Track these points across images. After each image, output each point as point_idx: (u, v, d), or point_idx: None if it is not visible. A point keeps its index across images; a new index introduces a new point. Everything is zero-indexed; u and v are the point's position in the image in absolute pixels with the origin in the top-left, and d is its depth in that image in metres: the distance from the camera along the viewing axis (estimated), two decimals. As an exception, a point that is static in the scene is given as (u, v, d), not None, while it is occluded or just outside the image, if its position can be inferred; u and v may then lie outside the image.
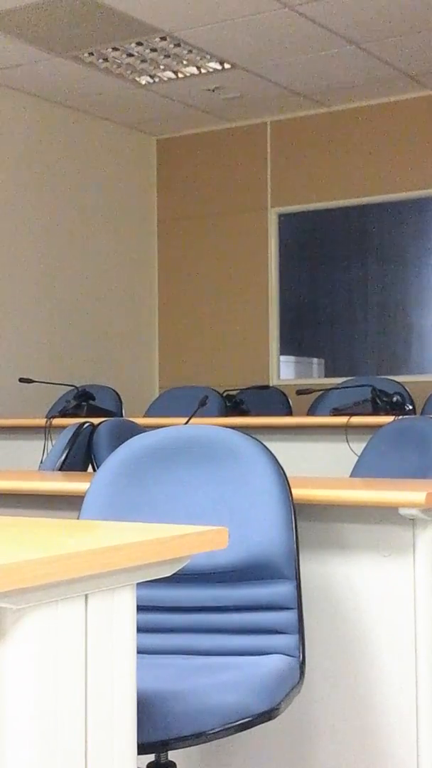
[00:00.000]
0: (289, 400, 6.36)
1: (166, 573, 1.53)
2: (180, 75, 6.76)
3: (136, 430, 3.85)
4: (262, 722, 1.93)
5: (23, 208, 7.15)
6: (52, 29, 5.94)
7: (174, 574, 1.54)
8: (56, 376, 6.83)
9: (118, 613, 1.45)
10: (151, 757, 1.98)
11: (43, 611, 1.33)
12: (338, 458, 4.46)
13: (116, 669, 1.44)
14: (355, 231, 7.58)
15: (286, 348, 7.76)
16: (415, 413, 5.13)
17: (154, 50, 6.31)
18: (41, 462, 4.59)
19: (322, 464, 4.73)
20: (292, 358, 7.86)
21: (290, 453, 4.65)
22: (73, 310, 7.48)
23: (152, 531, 1.56)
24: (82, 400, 5.64)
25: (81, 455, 3.85)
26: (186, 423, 3.31)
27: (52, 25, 5.88)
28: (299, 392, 5.32)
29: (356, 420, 4.64)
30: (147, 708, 1.80)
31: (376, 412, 4.79)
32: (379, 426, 3.52)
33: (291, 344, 7.80)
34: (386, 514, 2.29)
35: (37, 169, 7.27)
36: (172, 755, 1.99)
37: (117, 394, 6.26)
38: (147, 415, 6.14)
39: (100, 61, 6.49)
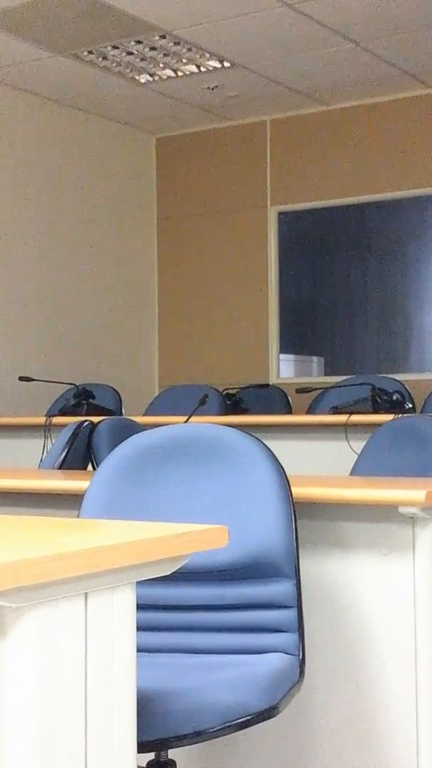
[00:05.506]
0: (289, 398, 6.36)
1: (166, 571, 1.53)
2: (179, 73, 6.76)
3: (136, 428, 3.85)
4: (262, 721, 1.93)
5: (23, 207, 7.15)
6: (51, 27, 5.93)
7: (174, 572, 1.54)
8: (56, 375, 6.83)
9: (118, 611, 1.45)
10: (150, 756, 1.98)
11: (43, 610, 1.33)
12: (338, 457, 4.46)
13: (116, 667, 1.44)
14: (355, 229, 7.57)
15: (285, 346, 7.76)
16: (414, 412, 5.13)
17: (153, 48, 6.31)
18: (41, 460, 4.59)
19: (321, 463, 4.73)
20: (291, 356, 7.86)
21: (290, 451, 4.65)
22: (73, 309, 7.48)
23: (152, 529, 1.56)
24: (82, 399, 5.64)
25: (81, 454, 3.85)
26: (186, 421, 3.31)
27: (52, 24, 5.88)
28: (299, 391, 5.32)
29: (356, 418, 4.64)
30: (147, 706, 1.80)
31: (375, 410, 4.79)
32: (379, 424, 3.52)
33: (290, 342, 7.80)
34: (386, 512, 2.29)
35: (37, 168, 7.27)
36: (172, 753, 1.99)
37: (117, 392, 6.25)
38: (147, 413, 6.13)
39: (100, 59, 6.49)
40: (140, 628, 2.12)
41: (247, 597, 2.16)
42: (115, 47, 6.29)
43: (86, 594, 1.39)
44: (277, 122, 7.75)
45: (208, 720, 1.85)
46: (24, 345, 7.10)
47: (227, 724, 1.87)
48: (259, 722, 1.92)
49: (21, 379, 6.06)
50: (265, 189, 7.79)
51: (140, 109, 7.57)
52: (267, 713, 1.93)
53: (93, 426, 3.93)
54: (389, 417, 4.15)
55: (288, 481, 2.19)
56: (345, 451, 4.34)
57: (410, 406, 5.06)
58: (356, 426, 4.57)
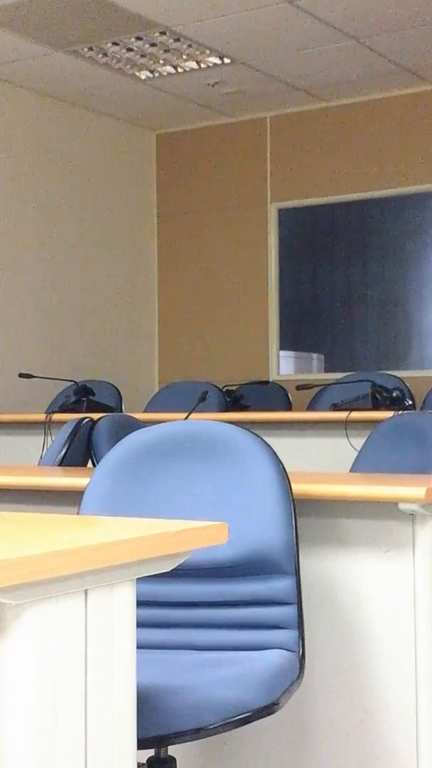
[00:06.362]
0: (289, 395, 6.36)
1: (166, 568, 1.53)
2: (179, 70, 6.75)
3: (136, 425, 3.85)
4: (262, 717, 1.93)
5: (22, 204, 7.14)
6: (51, 24, 5.93)
7: (174, 569, 1.54)
8: (56, 372, 6.83)
9: (118, 608, 1.45)
10: (150, 752, 1.99)
11: (43, 607, 1.33)
12: (338, 453, 4.46)
13: (116, 664, 1.44)
14: (355, 226, 7.57)
15: (285, 343, 7.76)
16: (414, 408, 5.13)
17: (153, 45, 6.30)
18: (41, 457, 4.60)
19: (321, 459, 4.74)
20: (291, 353, 7.86)
21: (290, 448, 4.65)
22: (73, 306, 7.48)
23: (152, 526, 1.56)
24: (82, 396, 5.64)
25: (81, 450, 3.85)
26: (186, 418, 3.31)
27: (52, 20, 5.87)
28: (299, 387, 5.32)
29: (356, 415, 4.64)
30: (147, 703, 1.80)
31: (375, 407, 4.79)
32: (379, 421, 3.52)
33: (291, 339, 7.80)
34: (386, 509, 2.29)
35: (37, 165, 7.27)
36: (172, 750, 2.00)
37: (117, 389, 6.26)
38: (147, 410, 6.14)
39: (100, 56, 6.49)
40: (140, 624, 2.12)
41: (247, 594, 2.16)
42: (115, 44, 6.28)
43: (86, 591, 1.39)
44: (277, 119, 7.74)
45: (208, 717, 1.85)
46: (24, 342, 7.09)
47: (227, 721, 1.87)
48: (258, 719, 1.92)
49: (21, 375, 6.06)
50: (265, 186, 7.79)
51: (140, 106, 7.56)
52: (267, 710, 1.93)
53: (93, 423, 3.93)
54: (389, 414, 4.15)
55: (288, 478, 2.19)
56: (345, 448, 4.34)
57: (410, 402, 5.06)
58: (356, 423, 4.57)
